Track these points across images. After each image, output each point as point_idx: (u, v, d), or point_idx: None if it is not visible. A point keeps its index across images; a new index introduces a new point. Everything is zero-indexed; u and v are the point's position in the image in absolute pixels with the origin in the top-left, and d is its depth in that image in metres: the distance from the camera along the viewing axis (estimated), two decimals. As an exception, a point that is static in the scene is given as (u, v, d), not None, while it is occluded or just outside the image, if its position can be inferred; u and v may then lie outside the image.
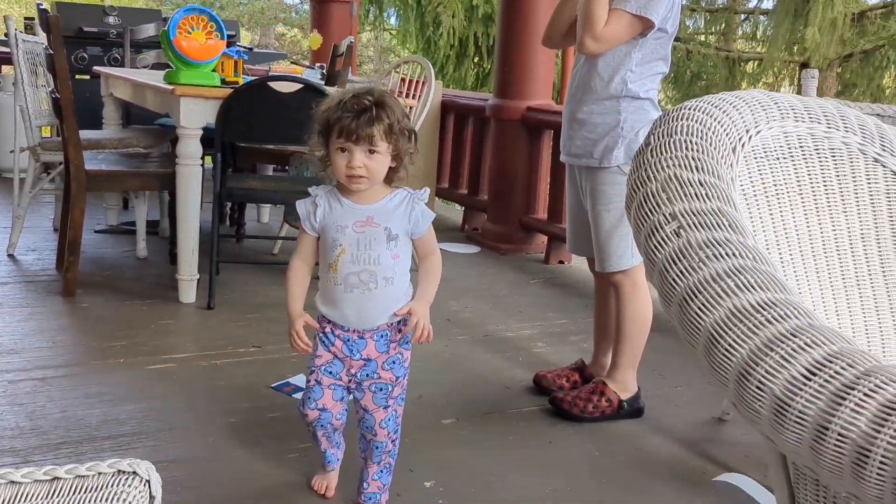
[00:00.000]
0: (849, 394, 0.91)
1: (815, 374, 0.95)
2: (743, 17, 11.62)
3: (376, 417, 1.79)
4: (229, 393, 2.47)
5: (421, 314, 1.69)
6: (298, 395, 2.46)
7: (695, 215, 1.18)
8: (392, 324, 1.75)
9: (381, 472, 1.85)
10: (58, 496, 0.92)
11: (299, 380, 2.57)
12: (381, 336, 1.75)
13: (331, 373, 1.78)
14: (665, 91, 10.92)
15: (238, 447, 2.15)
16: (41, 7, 3.45)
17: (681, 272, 1.13)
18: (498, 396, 2.59)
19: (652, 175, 1.26)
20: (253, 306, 3.30)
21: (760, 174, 1.44)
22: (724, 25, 11.43)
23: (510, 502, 1.98)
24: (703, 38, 11.62)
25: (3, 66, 6.15)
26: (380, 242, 1.70)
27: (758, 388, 0.99)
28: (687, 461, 2.25)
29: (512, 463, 2.17)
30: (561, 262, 4.42)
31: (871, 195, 1.53)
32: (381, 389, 1.77)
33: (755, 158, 1.43)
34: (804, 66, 9.84)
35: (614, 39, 2.25)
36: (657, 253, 1.18)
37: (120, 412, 2.29)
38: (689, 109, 1.39)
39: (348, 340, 1.75)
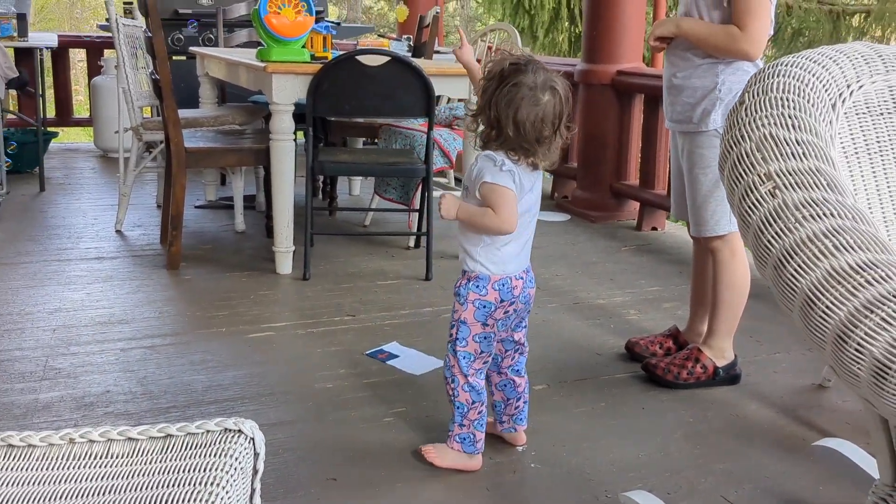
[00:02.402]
0: (955, 355, 0.88)
1: (918, 336, 0.92)
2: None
3: None
4: (326, 360, 2.55)
5: (439, 201, 1.85)
6: (392, 362, 2.52)
7: (791, 175, 1.14)
8: (462, 270, 1.91)
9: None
10: (171, 451, 0.98)
11: (393, 347, 2.63)
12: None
13: None
14: (764, 51, 10.49)
15: (335, 411, 2.21)
16: (139, -9, 3.58)
17: (776, 233, 1.11)
18: (589, 363, 2.59)
19: (747, 134, 1.24)
20: (346, 276, 3.38)
21: (863, 131, 1.38)
22: (826, -23, 10.88)
23: (602, 467, 1.98)
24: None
25: (105, 51, 6.41)
26: (463, 195, 1.89)
27: (857, 350, 0.97)
28: (785, 427, 2.20)
29: (604, 429, 2.17)
30: (654, 228, 4.34)
31: (984, 150, 1.45)
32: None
33: (857, 114, 1.37)
34: (915, 17, 9.28)
35: (764, 30, 2.18)
36: (752, 214, 1.16)
37: (223, 378, 2.40)
38: (786, 66, 1.35)
39: None
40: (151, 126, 3.85)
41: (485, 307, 1.85)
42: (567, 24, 9.72)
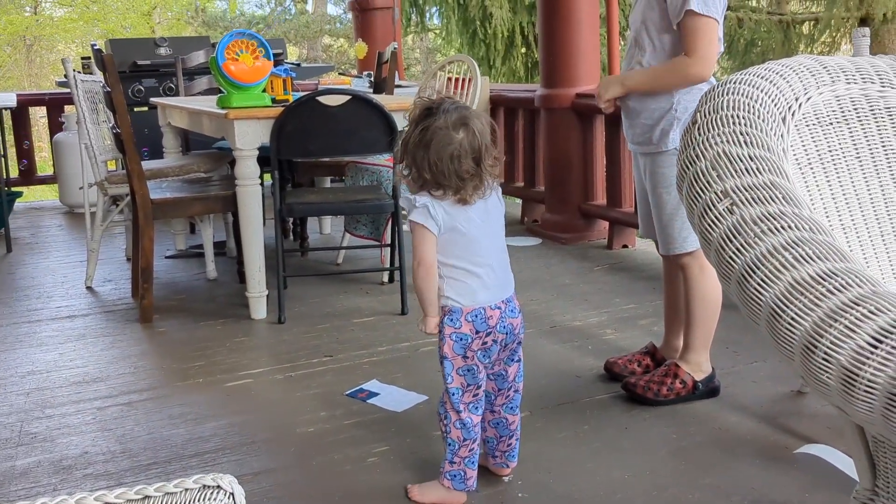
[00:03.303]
0: (919, 358, 0.90)
1: (881, 342, 0.93)
2: (793, -23, 11.29)
3: None
4: (306, 403, 2.53)
5: (419, 327, 1.93)
6: (373, 401, 2.51)
7: (747, 190, 1.17)
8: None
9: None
10: (148, 515, 0.96)
11: (373, 385, 2.62)
12: None
13: None
14: (720, 62, 10.69)
15: (318, 455, 2.20)
16: (95, 47, 3.58)
17: (737, 249, 1.13)
18: (570, 386, 2.59)
19: (701, 153, 1.26)
20: (322, 317, 3.36)
21: (814, 141, 1.41)
22: (774, -12, 11.13)
23: (590, 490, 1.98)
24: (754, 3, 11.33)
25: (66, 107, 6.38)
26: None
27: (824, 359, 0.98)
28: (768, 436, 2.22)
29: (589, 452, 2.17)
30: (625, 246, 4.38)
31: (934, 151, 1.49)
32: None
33: (807, 126, 1.40)
34: (863, 21, 9.52)
35: (713, 50, 2.23)
36: (712, 231, 1.18)
37: (203, 430, 2.37)
38: (735, 83, 1.38)
39: None
40: (116, 180, 3.84)
41: (461, 339, 1.85)
42: (523, 50, 9.84)
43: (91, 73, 4.67)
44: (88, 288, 3.93)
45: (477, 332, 1.85)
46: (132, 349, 3.08)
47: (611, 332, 3.09)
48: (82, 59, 5.54)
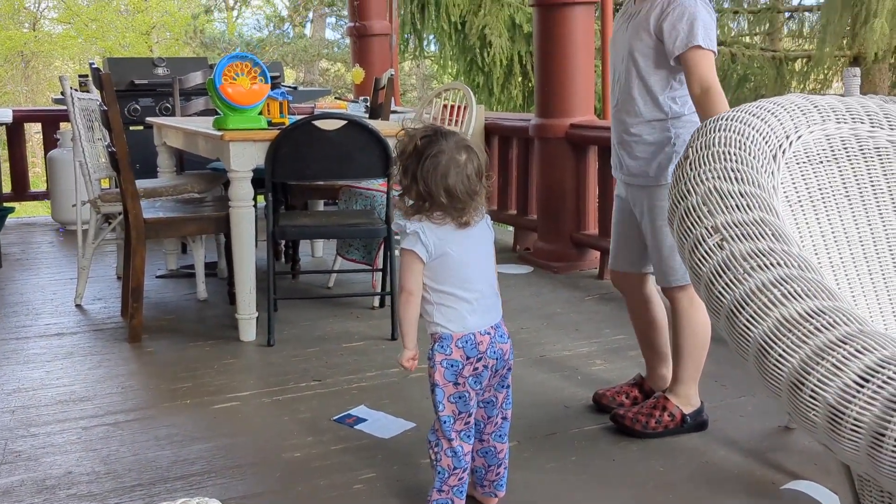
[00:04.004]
0: (904, 398, 0.91)
1: (867, 381, 0.94)
2: (787, 14, 11.44)
3: None
4: (293, 428, 2.52)
5: (396, 358, 1.96)
6: (360, 427, 2.50)
7: (737, 227, 1.18)
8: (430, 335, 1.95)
9: None
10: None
11: (361, 411, 2.61)
12: None
13: None
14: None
15: (304, 481, 2.18)
16: (93, 66, 3.59)
17: (726, 284, 1.14)
18: (558, 417, 2.59)
19: (692, 188, 1.27)
20: (312, 340, 3.36)
21: (804, 179, 1.43)
22: (768, 25, 11.26)
23: (576, 523, 1.97)
24: (747, 39, 11.46)
25: (62, 124, 6.39)
26: None
27: (811, 397, 0.99)
28: (754, 472, 2.21)
29: (577, 483, 2.16)
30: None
31: (922, 192, 1.51)
32: None
33: (797, 164, 1.42)
34: (855, 60, 9.63)
35: (715, 80, 2.24)
36: (702, 266, 1.19)
37: (189, 452, 2.35)
38: (727, 120, 1.40)
39: None
40: (109, 198, 3.83)
41: (452, 366, 1.85)
42: (520, 79, 9.91)
43: (88, 91, 4.68)
44: (78, 306, 3.91)
45: (468, 358, 1.85)
46: (120, 369, 3.06)
47: (600, 362, 3.09)
48: (79, 76, 5.55)
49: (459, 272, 1.86)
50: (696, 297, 2.39)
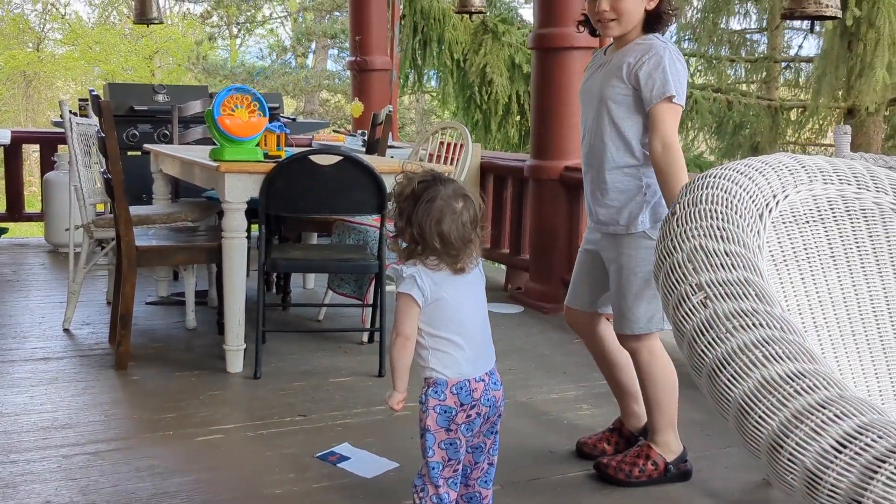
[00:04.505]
0: (881, 466, 0.91)
1: (845, 447, 0.94)
2: (784, 64, 11.60)
3: None
4: (275, 463, 2.50)
5: (384, 399, 1.93)
6: (343, 465, 2.48)
7: (721, 286, 1.19)
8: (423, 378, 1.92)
9: None
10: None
11: (344, 448, 2.59)
12: None
13: None
14: (707, 142, 10.89)
15: (284, 519, 2.16)
16: (93, 93, 3.62)
17: (709, 343, 1.14)
18: (542, 461, 2.58)
19: (678, 245, 1.28)
20: (298, 374, 3.34)
21: (790, 239, 1.44)
22: (765, 74, 11.42)
23: (556, 572, 1.95)
24: (744, 87, 11.61)
25: (60, 146, 6.41)
26: None
27: (789, 460, 0.99)
28: (738, 526, 2.20)
29: (558, 530, 2.15)
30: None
31: (906, 254, 1.52)
32: None
33: (784, 223, 1.43)
34: (850, 111, 9.75)
35: (676, 138, 2.28)
36: (685, 323, 1.20)
37: (169, 485, 2.33)
38: (714, 178, 1.41)
39: None
40: (103, 224, 3.84)
41: (445, 412, 1.84)
42: (518, 117, 10.00)
43: (87, 116, 4.71)
44: (66, 330, 3.90)
45: (462, 405, 1.85)
46: (104, 396, 3.05)
47: (586, 406, 3.08)
48: (80, 100, 5.59)
49: (455, 317, 1.86)
50: (654, 347, 2.40)
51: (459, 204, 1.83)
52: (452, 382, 1.84)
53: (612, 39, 2.40)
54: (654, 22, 2.30)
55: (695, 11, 10.90)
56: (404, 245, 1.87)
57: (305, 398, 3.07)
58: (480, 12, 6.54)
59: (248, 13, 20.49)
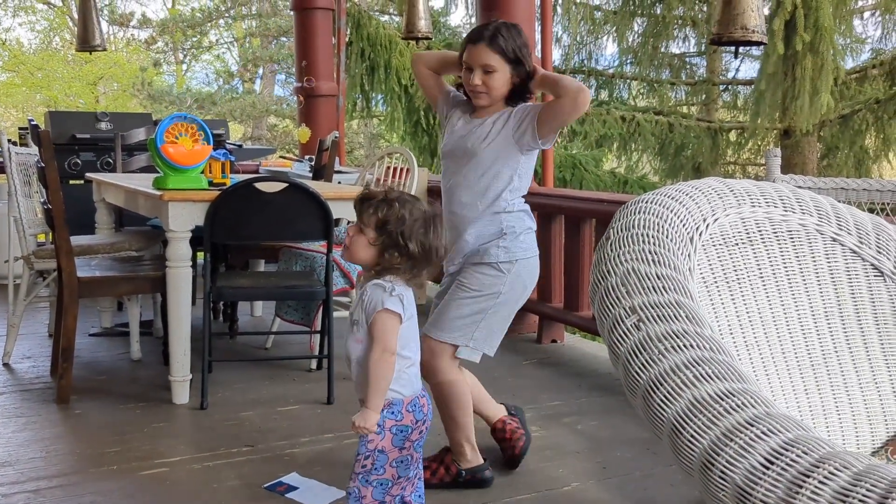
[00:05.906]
0: (805, 481, 0.95)
1: (772, 463, 0.98)
2: (722, 87, 11.92)
3: None
4: (222, 496, 2.47)
5: (357, 424, 1.83)
6: (291, 495, 2.46)
7: (653, 308, 1.22)
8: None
9: None
10: None
11: (292, 478, 2.57)
12: None
13: None
14: (651, 163, 11.12)
15: (231, 552, 2.13)
16: (32, 122, 3.56)
17: (642, 364, 1.17)
18: (491, 485, 2.58)
19: (612, 269, 1.32)
20: (246, 403, 3.31)
21: (720, 260, 1.49)
22: (704, 96, 11.72)
23: None
24: (685, 109, 11.90)
25: (-1, 175, 6.27)
26: (349, 328, 1.91)
27: (720, 478, 1.02)
28: (683, 542, 2.24)
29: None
30: (553, 340, 4.44)
31: (832, 273, 1.58)
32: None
33: (714, 246, 1.48)
34: (786, 132, 10.04)
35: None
36: (620, 346, 1.23)
37: (113, 521, 2.29)
38: (647, 203, 1.46)
39: None
40: (43, 255, 3.76)
41: (402, 431, 1.86)
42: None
43: (27, 146, 4.63)
44: (5, 364, 3.80)
45: (416, 422, 1.87)
46: (45, 432, 2.98)
47: (536, 428, 3.10)
48: (20, 129, 5.49)
49: (413, 335, 1.91)
50: (454, 364, 2.48)
51: (429, 219, 1.87)
52: (408, 400, 1.86)
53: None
54: (515, 98, 2.49)
55: (636, 36, 11.17)
56: (387, 265, 1.85)
57: (252, 428, 3.03)
58: (427, 38, 6.60)
59: (194, 39, 20.35)
